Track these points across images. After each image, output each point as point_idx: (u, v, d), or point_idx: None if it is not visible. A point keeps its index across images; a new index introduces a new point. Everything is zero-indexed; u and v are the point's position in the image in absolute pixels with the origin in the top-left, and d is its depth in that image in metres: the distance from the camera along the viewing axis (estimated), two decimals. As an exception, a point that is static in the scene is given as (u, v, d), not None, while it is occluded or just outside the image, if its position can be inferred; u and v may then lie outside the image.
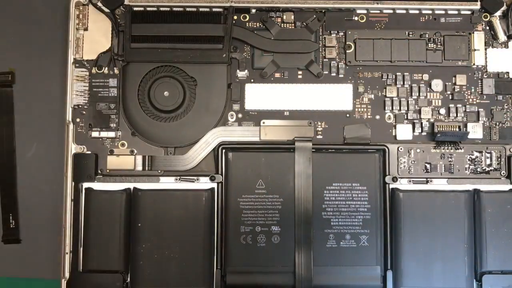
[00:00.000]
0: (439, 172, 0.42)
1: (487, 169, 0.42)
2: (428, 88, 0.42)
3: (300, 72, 0.42)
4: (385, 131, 0.42)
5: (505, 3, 0.42)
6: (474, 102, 0.42)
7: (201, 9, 0.42)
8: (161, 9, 0.42)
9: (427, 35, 0.42)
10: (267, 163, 0.41)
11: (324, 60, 0.42)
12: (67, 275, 0.40)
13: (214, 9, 0.42)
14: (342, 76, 0.42)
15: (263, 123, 0.42)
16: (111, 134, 0.42)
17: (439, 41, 0.42)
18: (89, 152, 0.41)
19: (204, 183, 0.41)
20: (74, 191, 0.41)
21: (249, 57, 0.42)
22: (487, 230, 0.40)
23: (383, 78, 0.42)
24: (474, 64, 0.43)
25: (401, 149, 0.42)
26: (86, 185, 0.41)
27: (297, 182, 0.40)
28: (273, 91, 0.42)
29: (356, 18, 0.43)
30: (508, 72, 0.43)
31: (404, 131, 0.42)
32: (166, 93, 0.42)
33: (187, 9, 0.42)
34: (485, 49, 0.43)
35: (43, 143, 0.45)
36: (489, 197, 0.41)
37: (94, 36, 0.42)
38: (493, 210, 0.41)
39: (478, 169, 0.42)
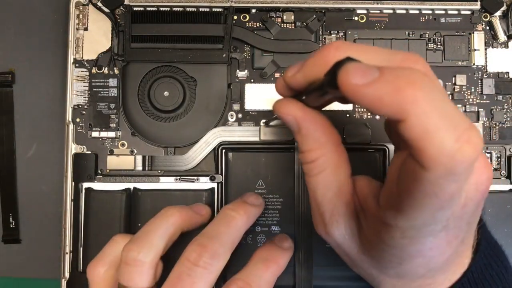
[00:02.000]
0: (439, 172, 0.42)
1: (487, 169, 0.42)
2: (428, 88, 0.42)
3: (300, 72, 0.42)
4: (384, 131, 0.42)
5: (505, 3, 0.42)
6: (474, 102, 0.42)
7: (201, 9, 0.42)
8: (161, 9, 0.42)
9: (427, 35, 0.42)
10: (267, 163, 0.41)
11: (324, 60, 0.42)
12: (67, 275, 0.40)
13: (214, 9, 0.42)
14: (342, 76, 0.42)
15: (263, 123, 0.42)
16: (111, 134, 0.42)
17: (439, 41, 0.42)
18: (89, 152, 0.41)
19: (204, 183, 0.41)
20: (74, 191, 0.41)
21: (249, 57, 0.42)
22: (487, 230, 0.40)
23: (383, 78, 0.42)
24: (474, 64, 0.43)
25: (401, 149, 0.42)
26: (86, 185, 0.41)
27: (297, 182, 0.40)
28: (273, 91, 0.42)
29: (356, 18, 0.43)
30: (508, 72, 0.43)
31: (404, 131, 0.42)
32: (166, 93, 0.42)
33: (187, 9, 0.42)
34: (485, 49, 0.43)
35: (43, 143, 0.45)
36: (489, 197, 0.41)
37: (94, 36, 0.42)
38: (493, 210, 0.41)
39: (478, 169, 0.42)
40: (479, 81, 0.43)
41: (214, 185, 0.41)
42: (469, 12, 0.43)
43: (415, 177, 0.22)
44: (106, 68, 0.42)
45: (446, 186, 0.22)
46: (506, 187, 0.42)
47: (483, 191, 0.25)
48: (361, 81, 0.21)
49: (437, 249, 0.25)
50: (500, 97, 0.42)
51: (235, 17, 0.42)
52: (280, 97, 0.30)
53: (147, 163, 0.41)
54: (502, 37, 0.43)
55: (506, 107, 0.42)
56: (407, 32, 0.42)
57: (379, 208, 0.26)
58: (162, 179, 0.41)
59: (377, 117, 0.42)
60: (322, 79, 0.23)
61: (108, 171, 0.41)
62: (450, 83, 0.42)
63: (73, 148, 0.41)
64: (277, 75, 0.42)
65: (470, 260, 0.29)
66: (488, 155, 0.42)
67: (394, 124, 0.22)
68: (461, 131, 0.20)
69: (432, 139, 0.20)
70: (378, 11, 0.43)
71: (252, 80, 0.42)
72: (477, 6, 0.42)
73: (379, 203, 0.26)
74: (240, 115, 0.42)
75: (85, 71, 0.42)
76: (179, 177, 0.41)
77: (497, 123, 0.42)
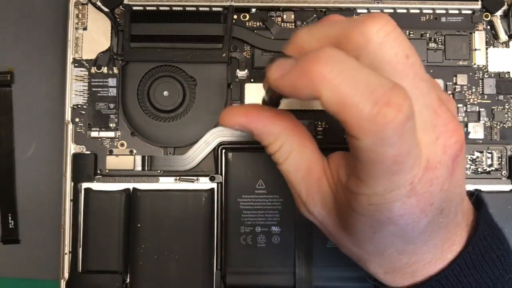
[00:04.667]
0: (440, 172, 0.41)
1: (488, 169, 0.42)
2: (429, 88, 0.42)
3: (300, 72, 0.42)
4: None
5: (506, 3, 0.42)
6: (475, 102, 0.42)
7: (200, 9, 0.42)
8: (161, 8, 0.42)
9: (428, 34, 0.42)
10: (267, 163, 0.41)
11: (325, 59, 0.42)
12: (66, 275, 0.40)
13: (214, 9, 0.42)
14: (342, 75, 0.42)
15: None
16: (111, 134, 0.42)
17: (440, 40, 0.42)
18: (88, 152, 0.41)
19: (204, 183, 0.41)
20: (73, 191, 0.41)
21: (249, 57, 0.42)
22: (488, 230, 0.40)
23: (384, 78, 0.42)
24: (475, 64, 0.42)
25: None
26: (85, 185, 0.41)
27: (297, 182, 0.40)
28: (273, 91, 0.42)
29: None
30: (509, 72, 0.42)
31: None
32: (165, 93, 0.42)
33: (187, 8, 0.42)
34: (486, 49, 0.43)
35: (42, 143, 0.45)
36: (490, 198, 0.40)
37: (94, 35, 0.42)
38: (494, 211, 0.40)
39: (479, 170, 0.42)
40: (480, 81, 0.42)
41: (214, 185, 0.41)
42: (470, 12, 0.42)
43: (354, 147, 0.22)
44: (106, 68, 0.42)
45: (384, 151, 0.22)
46: (507, 187, 0.41)
47: (453, 155, 0.24)
48: (279, 74, 0.23)
49: (408, 216, 0.24)
50: (501, 97, 0.42)
51: (235, 17, 0.42)
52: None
53: (146, 163, 0.41)
54: (503, 36, 0.43)
55: (507, 107, 0.42)
56: (408, 31, 0.42)
57: (346, 179, 0.25)
58: (161, 179, 0.41)
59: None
60: None
61: (107, 171, 0.41)
62: (451, 83, 0.42)
63: (72, 148, 0.41)
64: (277, 74, 0.42)
65: (465, 240, 0.28)
66: (489, 155, 0.42)
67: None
68: (379, 95, 0.21)
69: (348, 109, 0.21)
70: (379, 11, 0.42)
71: (252, 80, 0.42)
72: (478, 5, 0.42)
73: (346, 173, 0.26)
74: (240, 115, 0.42)
75: (84, 71, 0.42)
76: (178, 177, 0.41)
77: (498, 123, 0.42)
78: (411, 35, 0.42)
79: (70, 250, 0.40)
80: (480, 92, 0.42)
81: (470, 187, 0.41)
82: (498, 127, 0.42)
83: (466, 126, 0.42)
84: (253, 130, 0.28)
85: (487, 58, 0.42)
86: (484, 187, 0.41)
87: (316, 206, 0.28)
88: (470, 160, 0.42)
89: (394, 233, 0.26)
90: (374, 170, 0.23)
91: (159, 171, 0.41)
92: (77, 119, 0.42)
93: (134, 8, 0.42)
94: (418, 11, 0.42)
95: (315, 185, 0.28)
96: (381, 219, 0.25)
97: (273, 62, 0.24)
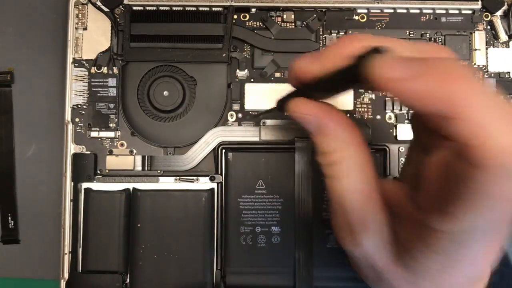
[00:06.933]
0: (440, 172, 0.41)
1: (488, 169, 0.42)
2: (429, 88, 0.42)
3: (300, 72, 0.42)
4: (385, 131, 0.42)
5: (506, 3, 0.42)
6: (475, 102, 0.42)
7: (200, 9, 0.42)
8: (161, 8, 0.42)
9: (428, 34, 0.42)
10: (267, 163, 0.41)
11: (325, 59, 0.42)
12: (66, 275, 0.40)
13: (214, 9, 0.42)
14: (342, 75, 0.42)
15: (263, 123, 0.42)
16: (110, 134, 0.42)
17: (440, 40, 0.42)
18: (88, 152, 0.41)
19: (203, 183, 0.41)
20: (73, 191, 0.41)
21: (249, 57, 0.42)
22: (488, 230, 0.40)
23: (384, 78, 0.42)
24: (475, 64, 0.42)
25: (402, 149, 0.41)
26: (85, 185, 0.41)
27: (297, 182, 0.40)
28: (273, 90, 0.42)
29: (356, 18, 0.42)
30: (509, 72, 0.42)
31: (405, 131, 0.42)
32: (165, 93, 0.42)
33: (187, 8, 0.42)
34: (486, 49, 0.43)
35: (42, 143, 0.45)
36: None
37: (93, 35, 0.42)
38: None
39: (479, 169, 0.42)
40: (480, 81, 0.42)
41: (214, 185, 0.41)
42: (470, 12, 0.42)
43: (465, 178, 0.20)
44: (106, 68, 0.42)
45: (503, 185, 0.19)
46: (507, 187, 0.41)
47: None
48: (402, 75, 0.19)
49: (489, 254, 0.22)
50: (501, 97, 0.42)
51: (235, 17, 0.42)
52: (283, 94, 0.27)
53: (146, 163, 0.41)
54: (503, 36, 0.43)
55: (507, 107, 0.42)
56: (407, 31, 0.42)
57: (419, 212, 0.23)
58: (161, 179, 0.41)
59: (378, 117, 0.42)
60: (344, 71, 0.22)
61: (107, 171, 0.41)
62: (451, 83, 0.42)
63: (72, 148, 0.41)
64: (277, 74, 0.42)
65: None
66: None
67: (434, 121, 0.20)
68: None
69: (488, 136, 0.19)
70: (379, 11, 0.42)
71: (252, 80, 0.42)
72: (478, 5, 0.42)
73: (419, 207, 0.23)
74: (240, 115, 0.42)
75: (84, 71, 0.42)
76: (178, 177, 0.41)
77: (498, 123, 0.42)
78: (411, 35, 0.42)
79: (70, 250, 0.40)
80: (480, 92, 0.42)
81: (470, 187, 0.41)
82: (498, 127, 0.42)
83: (466, 126, 0.42)
84: (323, 128, 0.24)
85: (487, 58, 0.42)
86: (484, 187, 0.41)
87: (369, 238, 0.24)
88: (470, 160, 0.42)
89: (464, 270, 0.23)
90: (475, 206, 0.20)
91: (159, 171, 0.41)
92: (77, 119, 0.42)
93: (134, 8, 0.42)
94: (418, 11, 0.42)
95: (373, 215, 0.24)
96: (458, 257, 0.22)
97: (382, 55, 0.20)
